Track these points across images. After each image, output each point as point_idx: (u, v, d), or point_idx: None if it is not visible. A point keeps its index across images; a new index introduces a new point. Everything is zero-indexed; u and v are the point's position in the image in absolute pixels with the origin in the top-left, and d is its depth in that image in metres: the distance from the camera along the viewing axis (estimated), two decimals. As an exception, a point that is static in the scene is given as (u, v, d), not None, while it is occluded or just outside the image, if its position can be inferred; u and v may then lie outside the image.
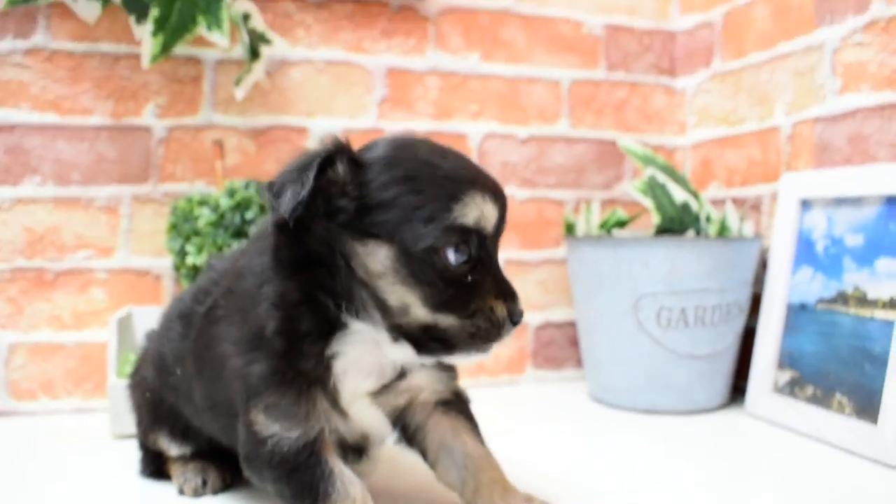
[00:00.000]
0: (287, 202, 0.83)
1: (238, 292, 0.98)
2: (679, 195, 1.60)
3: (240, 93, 1.57)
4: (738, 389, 1.75)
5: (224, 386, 0.99)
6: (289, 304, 0.91)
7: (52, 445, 1.42)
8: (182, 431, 1.17)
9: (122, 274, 1.68)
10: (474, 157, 1.89)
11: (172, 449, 1.19)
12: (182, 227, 1.48)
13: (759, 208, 1.79)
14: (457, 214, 0.85)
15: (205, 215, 1.46)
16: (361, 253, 0.87)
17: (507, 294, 0.90)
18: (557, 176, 1.96)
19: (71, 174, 1.65)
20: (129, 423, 1.28)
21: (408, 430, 1.07)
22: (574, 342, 1.98)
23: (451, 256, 0.86)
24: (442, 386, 1.04)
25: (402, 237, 0.85)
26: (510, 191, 1.91)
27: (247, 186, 1.51)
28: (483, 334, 0.89)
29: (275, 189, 0.86)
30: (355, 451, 1.03)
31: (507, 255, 1.91)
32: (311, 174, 0.83)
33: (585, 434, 1.52)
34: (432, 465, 1.06)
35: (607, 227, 1.75)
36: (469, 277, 0.88)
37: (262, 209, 1.47)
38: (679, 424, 1.57)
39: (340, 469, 0.93)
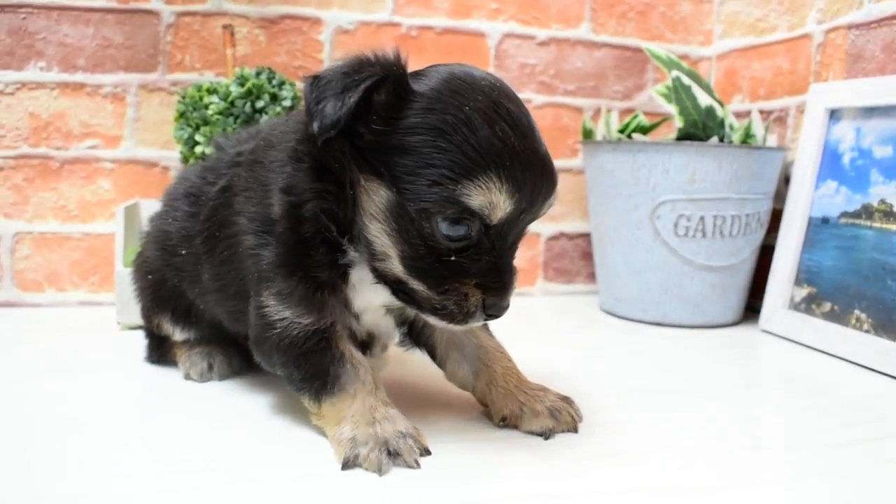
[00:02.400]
0: (321, 119, 0.78)
1: (265, 164, 0.93)
2: (704, 99, 1.55)
3: (252, -23, 1.51)
4: (752, 309, 1.72)
5: (236, 266, 0.97)
6: (297, 210, 0.87)
7: (59, 336, 1.40)
8: (184, 314, 1.15)
9: (129, 164, 1.64)
10: (492, 58, 1.83)
11: (176, 333, 1.17)
12: (191, 116, 1.43)
13: (784, 121, 1.74)
14: (463, 191, 0.78)
15: (214, 103, 1.41)
16: (364, 188, 0.82)
17: (493, 287, 0.83)
18: (576, 82, 1.90)
19: (76, 59, 1.60)
20: (137, 313, 1.25)
21: (415, 327, 1.05)
22: (586, 255, 1.95)
23: (443, 228, 0.80)
24: None
25: (405, 188, 0.79)
26: (527, 95, 1.85)
27: (258, 74, 1.45)
28: (447, 314, 0.84)
29: (316, 93, 0.80)
30: (361, 345, 1.01)
31: (522, 162, 1.87)
32: (353, 99, 0.77)
33: (595, 342, 1.51)
34: (441, 362, 1.04)
35: (627, 132, 1.70)
36: (454, 256, 0.81)
37: (273, 98, 1.42)
38: (690, 336, 1.55)
39: (351, 353, 0.91)
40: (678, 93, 1.55)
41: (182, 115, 1.45)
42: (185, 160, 1.47)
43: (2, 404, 1.02)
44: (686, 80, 1.55)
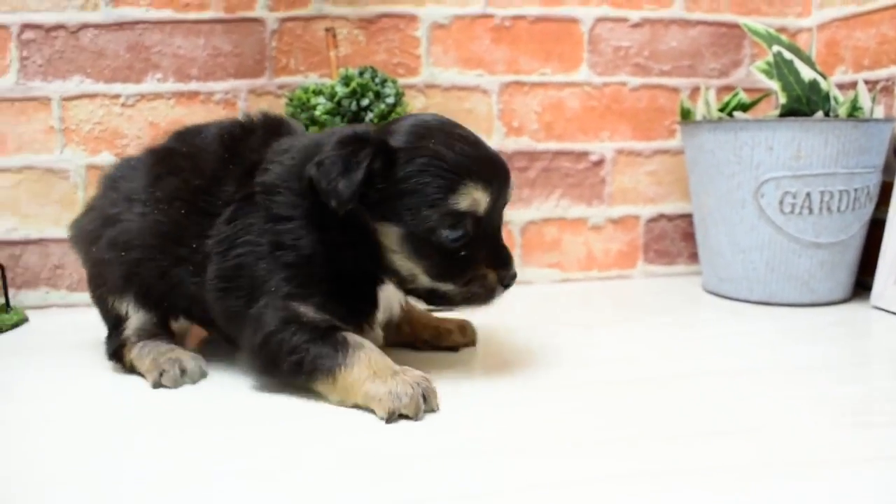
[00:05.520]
0: (336, 196, 0.99)
1: (292, 220, 1.09)
2: (807, 73, 1.52)
3: (350, -20, 1.56)
4: (862, 286, 1.68)
5: (251, 272, 1.09)
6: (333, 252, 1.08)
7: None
8: (152, 297, 1.20)
9: (242, 167, 1.72)
10: (585, 44, 1.84)
11: (132, 317, 1.21)
12: (299, 117, 1.49)
13: (891, 91, 1.68)
14: (452, 202, 1.01)
15: (321, 104, 1.47)
16: (381, 232, 1.05)
17: (500, 262, 1.07)
18: (672, 62, 1.89)
19: (190, 69, 1.69)
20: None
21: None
22: (687, 236, 1.94)
23: (448, 235, 1.02)
24: None
25: (409, 221, 1.02)
26: (622, 78, 1.86)
27: (361, 73, 1.51)
28: (477, 298, 1.07)
29: (324, 177, 1.00)
30: None
31: (619, 144, 1.87)
32: (359, 176, 0.99)
33: (701, 322, 1.51)
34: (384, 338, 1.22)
35: (728, 110, 1.68)
36: (463, 252, 1.04)
37: (377, 96, 1.48)
38: (799, 315, 1.53)
39: (346, 331, 1.06)
40: (780, 68, 1.53)
41: (291, 116, 1.52)
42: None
43: (93, 391, 1.11)
44: (787, 55, 1.53)
